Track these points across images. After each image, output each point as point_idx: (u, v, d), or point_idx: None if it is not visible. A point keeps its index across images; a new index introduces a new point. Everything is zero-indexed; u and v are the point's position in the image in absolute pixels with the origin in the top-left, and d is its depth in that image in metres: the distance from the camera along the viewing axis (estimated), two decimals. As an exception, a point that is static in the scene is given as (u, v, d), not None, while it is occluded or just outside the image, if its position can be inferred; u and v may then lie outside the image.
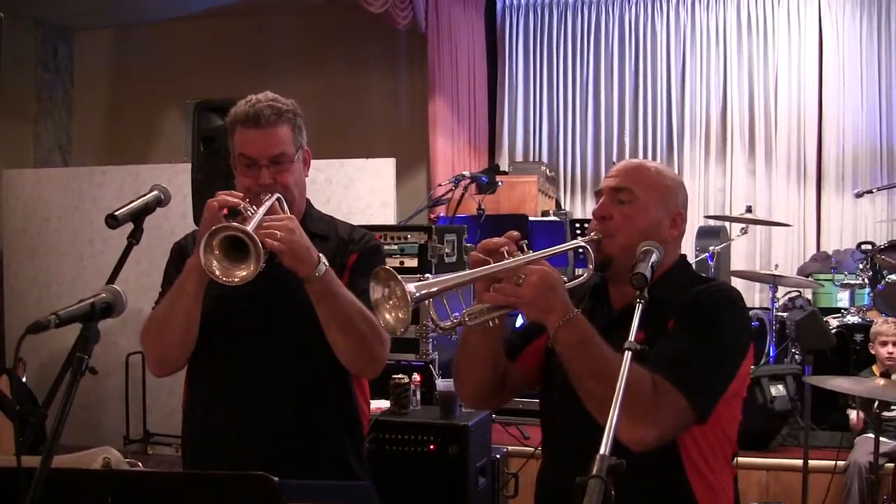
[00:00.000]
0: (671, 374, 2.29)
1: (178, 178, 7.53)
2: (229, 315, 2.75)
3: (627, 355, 2.02)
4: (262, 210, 2.60)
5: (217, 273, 2.43)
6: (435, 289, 2.25)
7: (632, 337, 2.07)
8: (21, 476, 1.98)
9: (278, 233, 2.54)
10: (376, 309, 2.26)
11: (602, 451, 1.77)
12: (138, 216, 2.58)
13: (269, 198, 2.69)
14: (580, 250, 2.52)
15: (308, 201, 2.96)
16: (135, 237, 2.56)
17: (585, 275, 2.55)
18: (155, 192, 2.64)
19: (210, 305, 2.68)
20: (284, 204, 2.73)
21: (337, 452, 2.82)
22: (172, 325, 2.72)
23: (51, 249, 8.12)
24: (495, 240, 2.39)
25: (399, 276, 2.22)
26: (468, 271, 2.36)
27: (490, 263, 2.34)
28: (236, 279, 2.44)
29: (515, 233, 2.42)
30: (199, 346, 2.78)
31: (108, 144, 10.62)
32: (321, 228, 2.91)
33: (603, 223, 2.59)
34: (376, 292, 2.26)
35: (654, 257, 2.34)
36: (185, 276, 2.66)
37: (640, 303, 2.19)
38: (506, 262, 2.34)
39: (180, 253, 2.90)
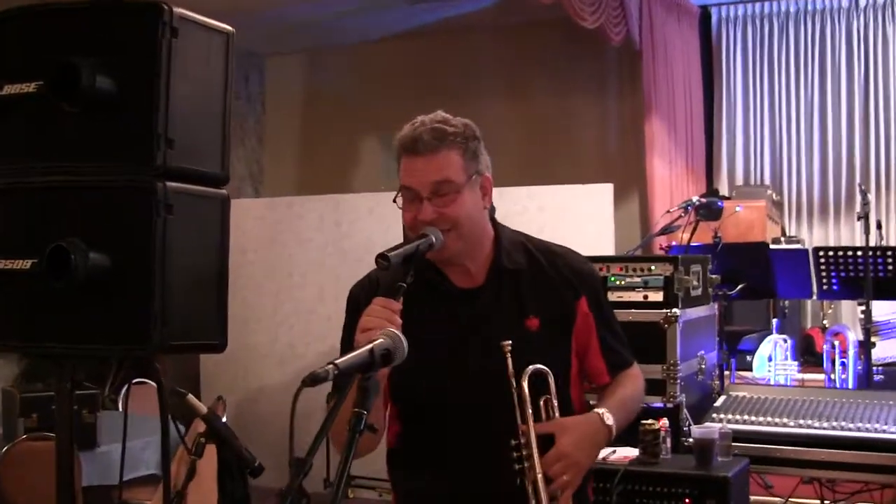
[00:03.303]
0: None
1: (380, 207, 7.51)
2: (431, 378, 2.55)
3: None
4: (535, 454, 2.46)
5: None
6: None
7: None
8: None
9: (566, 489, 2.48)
10: None
11: None
12: (409, 259, 2.42)
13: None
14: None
15: (497, 229, 2.75)
16: (405, 280, 2.41)
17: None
18: (429, 237, 2.48)
19: (403, 377, 2.43)
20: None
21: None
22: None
23: (246, 283, 8.15)
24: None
25: None
26: None
27: None
28: None
29: None
30: (399, 416, 2.65)
31: (300, 173, 10.74)
32: (518, 262, 2.70)
33: None
34: None
35: None
36: None
37: None
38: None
39: (355, 306, 2.69)
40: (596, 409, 2.62)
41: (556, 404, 2.54)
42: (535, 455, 2.43)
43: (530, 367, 2.49)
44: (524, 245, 2.76)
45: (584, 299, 2.70)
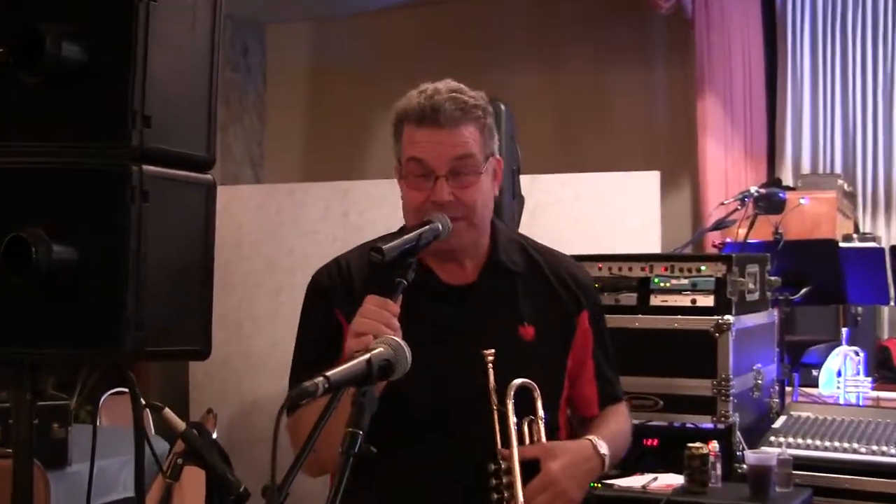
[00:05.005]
0: None
1: (393, 195, 7.45)
2: (402, 387, 2.38)
3: None
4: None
5: None
6: None
7: None
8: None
9: None
10: None
11: None
12: (410, 252, 2.39)
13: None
14: None
15: (494, 223, 2.72)
16: (405, 276, 2.39)
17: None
18: (435, 224, 2.44)
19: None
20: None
21: None
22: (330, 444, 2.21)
23: (242, 281, 8.16)
24: None
25: None
26: None
27: None
28: None
29: None
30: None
31: (306, 156, 10.74)
32: (515, 262, 2.70)
33: None
34: None
35: None
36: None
37: None
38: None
39: (323, 295, 2.73)
40: (587, 437, 2.60)
41: (542, 427, 2.50)
42: (518, 483, 2.38)
43: (516, 381, 2.46)
44: (522, 245, 2.76)
45: (585, 313, 2.71)
